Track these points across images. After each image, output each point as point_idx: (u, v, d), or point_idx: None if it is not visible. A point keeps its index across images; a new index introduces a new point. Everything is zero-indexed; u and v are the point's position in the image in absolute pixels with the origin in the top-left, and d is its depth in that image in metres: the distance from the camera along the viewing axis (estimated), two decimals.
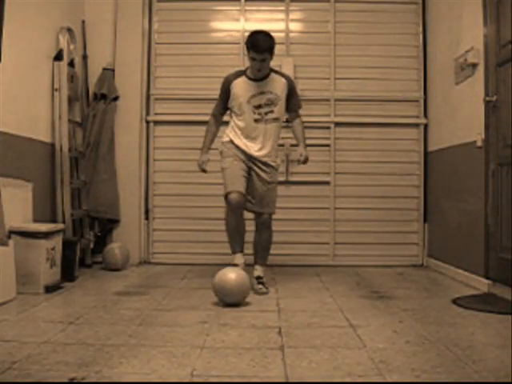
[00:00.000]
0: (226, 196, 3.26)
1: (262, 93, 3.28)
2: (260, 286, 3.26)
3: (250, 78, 3.30)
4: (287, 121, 3.60)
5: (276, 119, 3.35)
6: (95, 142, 4.29)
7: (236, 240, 3.34)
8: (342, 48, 4.60)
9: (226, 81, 3.36)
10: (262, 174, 3.33)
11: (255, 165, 3.34)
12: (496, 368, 1.87)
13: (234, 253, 3.36)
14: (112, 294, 3.17)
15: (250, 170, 3.34)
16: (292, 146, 4.51)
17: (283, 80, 3.35)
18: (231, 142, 3.34)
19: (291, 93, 3.38)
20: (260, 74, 3.27)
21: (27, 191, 3.41)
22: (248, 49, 3.21)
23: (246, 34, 4.55)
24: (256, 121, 3.29)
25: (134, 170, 4.49)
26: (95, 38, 4.44)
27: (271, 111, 3.30)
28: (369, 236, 4.55)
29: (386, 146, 4.58)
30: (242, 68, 3.41)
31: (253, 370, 1.86)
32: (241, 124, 3.32)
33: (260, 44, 3.15)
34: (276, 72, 3.39)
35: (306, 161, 3.39)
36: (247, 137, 3.32)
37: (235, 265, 3.23)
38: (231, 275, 2.86)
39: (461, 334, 2.34)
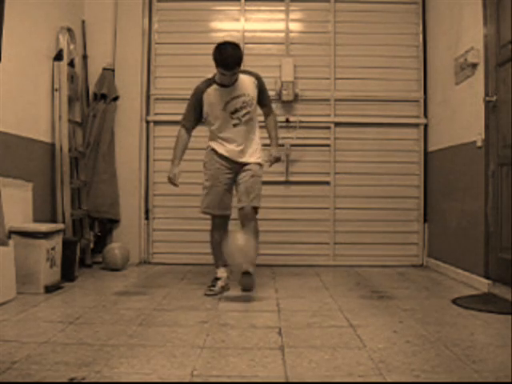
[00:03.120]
0: (207, 213, 3.33)
1: (236, 97, 3.22)
2: (247, 282, 3.17)
3: (220, 85, 3.21)
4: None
5: (253, 118, 3.32)
6: (95, 142, 4.29)
7: (218, 255, 3.32)
8: (342, 48, 4.60)
9: (197, 91, 3.25)
10: (247, 171, 3.29)
11: (240, 167, 3.30)
12: (496, 368, 1.87)
13: (216, 267, 3.36)
14: (112, 294, 3.17)
15: (235, 174, 3.31)
16: (292, 145, 4.52)
17: (252, 79, 3.28)
18: (214, 150, 3.30)
19: (261, 89, 3.32)
20: (231, 83, 3.20)
21: (27, 191, 3.41)
22: (216, 63, 3.10)
23: (246, 33, 4.62)
24: (235, 125, 3.26)
25: (134, 170, 4.49)
26: (95, 38, 4.44)
27: (248, 112, 3.25)
28: (369, 236, 4.55)
29: (386, 146, 4.58)
30: (209, 76, 3.29)
31: (253, 369, 1.86)
32: (220, 133, 3.27)
33: (229, 62, 3.07)
34: (243, 72, 3.29)
35: (277, 161, 3.40)
36: (229, 142, 3.28)
37: (218, 278, 3.28)
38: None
39: (461, 334, 2.34)
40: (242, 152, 3.29)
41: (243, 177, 3.28)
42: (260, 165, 3.35)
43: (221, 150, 3.28)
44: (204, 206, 3.34)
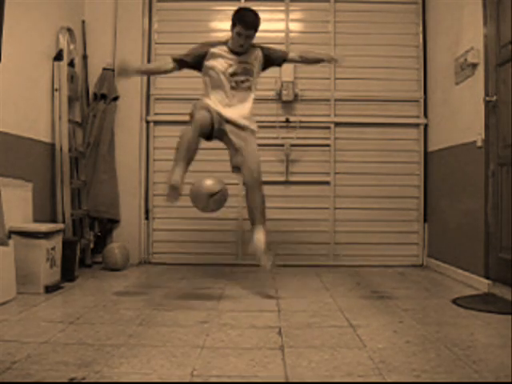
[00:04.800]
0: (192, 116, 3.16)
1: (239, 62, 3.27)
2: (265, 258, 3.10)
3: (230, 50, 3.28)
4: (302, 62, 3.51)
5: (250, 88, 3.33)
6: (95, 142, 4.29)
7: (182, 155, 3.01)
8: (342, 48, 4.59)
9: (206, 44, 3.33)
10: (240, 142, 3.22)
11: (231, 130, 3.23)
12: (496, 368, 1.87)
13: (174, 166, 2.99)
14: (112, 294, 3.17)
15: (223, 124, 3.23)
16: (292, 145, 4.52)
17: (257, 50, 3.34)
18: (208, 106, 3.23)
19: (270, 52, 3.38)
20: (241, 49, 3.26)
21: (27, 191, 3.41)
22: (234, 23, 3.19)
23: None
24: (232, 88, 3.27)
25: (134, 170, 4.49)
26: (95, 37, 4.45)
27: (247, 80, 3.29)
28: (369, 236, 4.55)
29: (386, 145, 4.58)
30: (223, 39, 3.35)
31: (253, 369, 1.86)
32: (215, 89, 3.28)
33: (249, 20, 3.17)
34: (253, 46, 3.36)
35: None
36: (224, 104, 3.26)
37: (172, 186, 2.94)
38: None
39: (461, 334, 2.34)
40: (236, 112, 3.25)
41: (241, 136, 3.23)
42: (253, 133, 3.31)
43: (213, 106, 3.23)
44: (197, 112, 3.12)
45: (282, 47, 4.57)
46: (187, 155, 3.04)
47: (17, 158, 3.35)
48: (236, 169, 3.30)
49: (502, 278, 3.19)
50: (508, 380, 1.76)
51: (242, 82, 3.29)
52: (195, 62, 3.31)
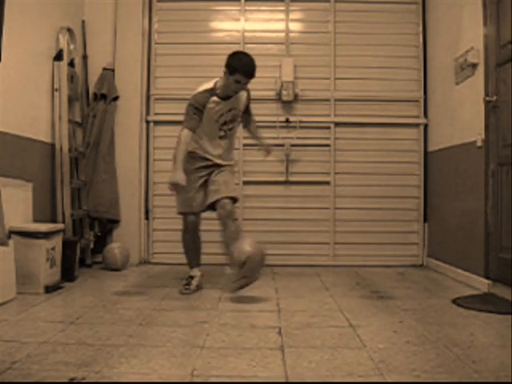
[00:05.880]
0: (182, 214, 3.33)
1: (229, 110, 3.23)
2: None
3: (220, 98, 3.18)
4: (246, 128, 3.54)
5: (236, 130, 3.40)
6: (95, 142, 4.29)
7: (192, 256, 3.41)
8: (342, 48, 4.60)
9: (205, 94, 3.16)
10: (223, 167, 3.32)
11: (215, 167, 3.31)
12: (496, 368, 1.87)
13: (191, 267, 3.40)
14: (112, 294, 3.17)
15: (208, 174, 3.31)
16: (292, 145, 4.52)
17: (245, 94, 3.29)
18: (192, 152, 3.24)
19: (249, 101, 3.37)
20: (235, 94, 3.20)
21: (27, 191, 3.41)
22: (233, 70, 3.05)
23: (246, 33, 4.61)
24: (220, 137, 3.28)
25: (134, 170, 4.49)
26: (95, 38, 4.44)
27: (233, 126, 3.31)
28: (369, 236, 4.55)
29: (386, 145, 4.58)
30: (209, 83, 3.21)
31: (253, 370, 1.86)
32: (204, 141, 3.26)
33: (251, 69, 3.06)
34: None
35: (269, 149, 3.54)
36: (209, 151, 3.28)
37: (192, 277, 3.33)
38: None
39: (461, 334, 2.34)
40: (220, 157, 3.32)
41: (220, 171, 3.29)
42: (232, 165, 3.46)
43: (200, 152, 3.28)
44: (180, 204, 3.32)
45: (282, 47, 4.60)
46: (196, 254, 3.41)
47: (17, 158, 3.35)
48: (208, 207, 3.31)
49: (502, 278, 3.19)
50: (508, 380, 1.76)
51: (230, 129, 3.29)
52: (202, 115, 3.19)
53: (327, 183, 4.58)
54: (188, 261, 3.43)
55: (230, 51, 3.19)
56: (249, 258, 2.97)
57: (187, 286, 3.27)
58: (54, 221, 3.77)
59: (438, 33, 4.32)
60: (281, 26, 4.65)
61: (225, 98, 3.19)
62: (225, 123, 3.25)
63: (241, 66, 3.06)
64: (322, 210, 4.57)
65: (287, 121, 4.54)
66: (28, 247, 3.12)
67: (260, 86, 4.13)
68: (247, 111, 3.40)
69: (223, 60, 3.14)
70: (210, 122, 3.21)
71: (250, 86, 3.26)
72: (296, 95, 4.53)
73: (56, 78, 3.84)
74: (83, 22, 4.42)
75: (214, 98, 3.17)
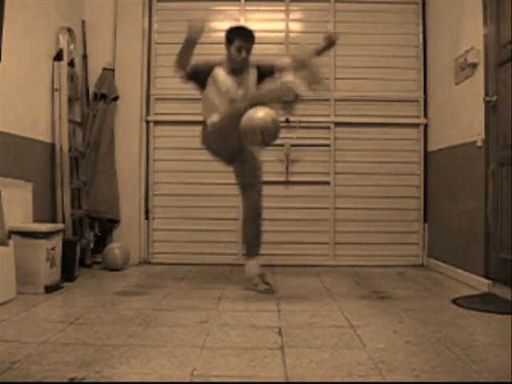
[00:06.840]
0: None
1: (237, 85, 3.25)
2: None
3: (227, 73, 3.24)
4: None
5: None
6: (95, 142, 4.29)
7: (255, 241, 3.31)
8: (342, 48, 4.58)
9: (211, 62, 3.23)
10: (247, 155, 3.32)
11: None
12: (496, 368, 1.87)
13: (251, 255, 3.33)
14: (112, 294, 3.17)
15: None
16: (292, 145, 4.52)
17: (253, 69, 3.31)
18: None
19: (263, 67, 3.30)
20: (242, 64, 3.21)
21: (27, 191, 3.41)
22: (231, 40, 3.18)
23: None
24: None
25: (134, 169, 4.49)
26: (95, 38, 4.45)
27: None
28: (369, 236, 4.55)
29: (386, 145, 4.58)
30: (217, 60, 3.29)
31: (253, 369, 1.85)
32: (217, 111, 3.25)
33: (247, 32, 3.19)
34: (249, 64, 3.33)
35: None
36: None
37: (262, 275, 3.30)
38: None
39: (461, 334, 2.34)
40: None
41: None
42: None
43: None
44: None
45: (282, 47, 4.59)
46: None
47: (17, 158, 3.35)
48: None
49: (502, 278, 3.19)
50: (508, 380, 1.75)
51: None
52: (204, 73, 3.22)
53: (327, 183, 4.58)
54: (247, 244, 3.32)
55: None
56: (263, 127, 2.93)
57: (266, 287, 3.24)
58: (54, 221, 3.77)
59: (438, 33, 4.32)
60: (281, 26, 4.65)
61: (233, 72, 3.22)
62: (234, 100, 3.21)
63: (236, 32, 3.20)
64: (322, 209, 4.57)
65: (287, 121, 4.54)
66: (28, 247, 3.12)
67: None
68: (270, 68, 3.27)
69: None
70: (217, 95, 3.21)
71: None
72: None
73: (56, 78, 3.84)
74: (83, 22, 4.43)
75: (221, 72, 3.22)
